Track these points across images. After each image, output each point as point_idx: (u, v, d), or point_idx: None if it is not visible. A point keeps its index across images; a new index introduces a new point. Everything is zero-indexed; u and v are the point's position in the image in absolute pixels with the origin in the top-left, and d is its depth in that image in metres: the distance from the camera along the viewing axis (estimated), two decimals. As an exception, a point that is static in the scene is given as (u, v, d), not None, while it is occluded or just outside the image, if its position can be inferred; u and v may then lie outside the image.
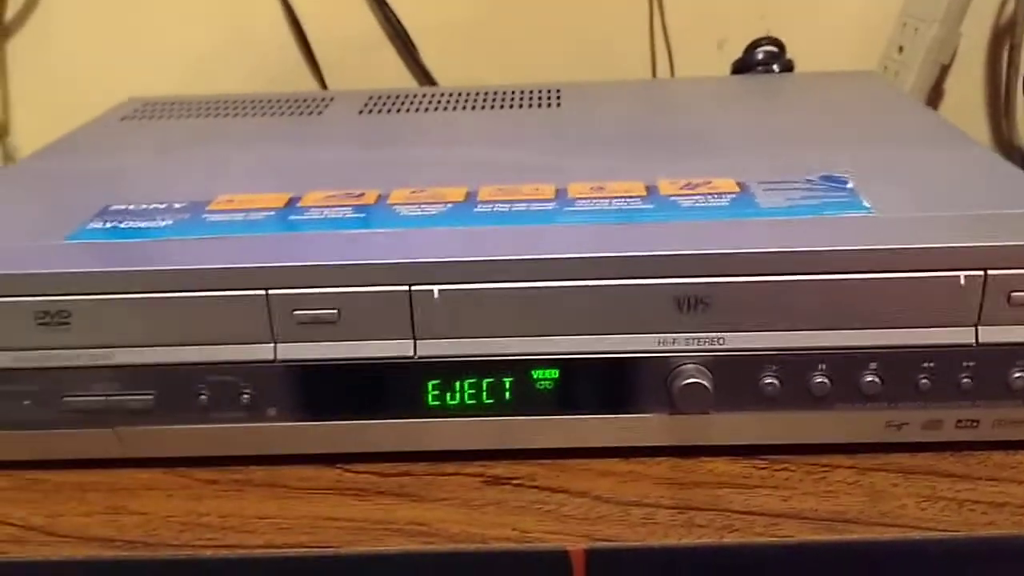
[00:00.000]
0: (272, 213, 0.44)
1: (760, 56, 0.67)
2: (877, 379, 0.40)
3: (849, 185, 0.43)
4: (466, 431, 0.42)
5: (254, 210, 0.44)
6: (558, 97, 0.63)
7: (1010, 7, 0.71)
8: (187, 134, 0.60)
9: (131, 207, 0.45)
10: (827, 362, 0.40)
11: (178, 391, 0.41)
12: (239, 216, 0.44)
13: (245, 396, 0.41)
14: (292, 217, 0.43)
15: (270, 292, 0.39)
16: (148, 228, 0.43)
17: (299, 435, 0.42)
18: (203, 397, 0.41)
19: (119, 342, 0.40)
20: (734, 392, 0.40)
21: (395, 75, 0.75)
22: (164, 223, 0.43)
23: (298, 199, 0.45)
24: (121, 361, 0.40)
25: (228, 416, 0.41)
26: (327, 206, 0.44)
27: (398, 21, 0.73)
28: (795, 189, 0.43)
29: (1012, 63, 0.72)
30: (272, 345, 0.40)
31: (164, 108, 0.65)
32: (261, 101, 0.65)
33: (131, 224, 0.44)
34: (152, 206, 0.45)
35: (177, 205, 0.45)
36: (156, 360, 0.40)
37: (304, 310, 0.39)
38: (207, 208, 0.45)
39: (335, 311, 0.39)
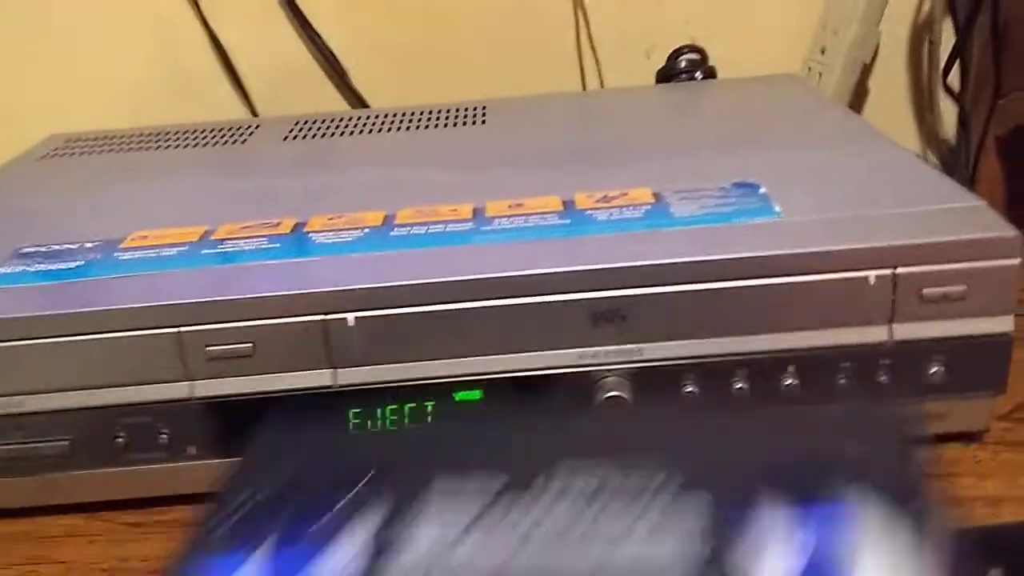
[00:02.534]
0: (186, 248, 0.43)
1: (683, 64, 0.68)
2: (796, 381, 0.40)
3: (761, 191, 0.44)
4: (393, 457, 0.41)
5: (167, 246, 0.44)
6: (483, 114, 0.63)
7: (927, 5, 0.73)
8: (108, 170, 0.59)
9: (42, 249, 0.45)
10: (745, 367, 0.40)
11: (95, 435, 0.40)
12: (151, 253, 0.43)
13: (163, 436, 0.40)
14: (205, 251, 0.43)
15: (182, 329, 0.39)
16: (59, 270, 0.42)
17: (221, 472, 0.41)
18: (120, 439, 0.40)
19: (31, 388, 0.39)
20: (656, 402, 0.40)
21: (327, 98, 0.75)
22: (75, 264, 0.43)
23: (213, 232, 0.45)
24: (34, 407, 0.40)
25: (147, 457, 0.40)
26: (242, 237, 0.44)
27: (325, 44, 0.73)
28: (708, 197, 0.44)
29: (932, 59, 0.73)
30: (187, 383, 0.39)
31: (87, 143, 0.64)
32: (187, 132, 0.65)
33: (42, 267, 0.43)
34: (64, 247, 0.45)
35: (89, 244, 0.45)
36: (70, 405, 0.40)
37: (217, 345, 0.39)
38: (120, 246, 0.44)
39: (250, 344, 0.39)
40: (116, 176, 0.57)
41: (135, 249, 0.44)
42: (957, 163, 0.72)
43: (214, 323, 0.39)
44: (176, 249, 0.43)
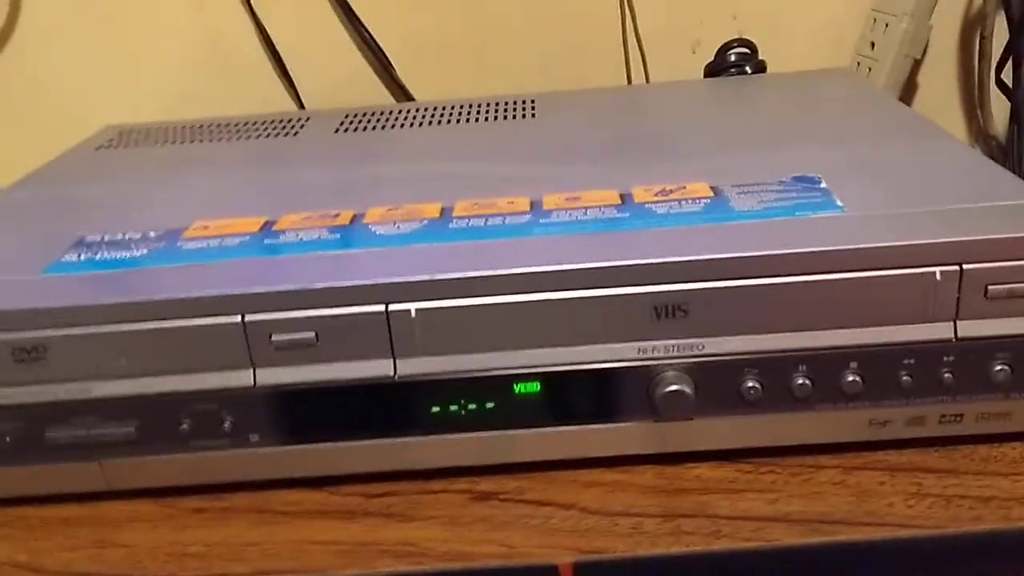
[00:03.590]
0: (247, 238, 0.44)
1: (732, 58, 0.67)
2: (858, 378, 0.40)
3: (822, 185, 0.44)
4: (451, 448, 0.41)
5: (229, 235, 0.44)
6: (532, 108, 0.63)
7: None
8: (164, 160, 0.59)
9: (107, 238, 0.45)
10: (807, 363, 0.40)
11: (159, 421, 0.41)
12: (214, 242, 0.44)
13: (227, 423, 0.41)
14: (267, 241, 0.43)
15: (246, 318, 0.39)
16: (123, 259, 0.43)
17: (282, 459, 0.41)
18: (185, 426, 0.41)
19: (98, 375, 0.40)
20: (716, 397, 0.40)
21: (372, 92, 0.75)
22: (139, 253, 0.43)
23: (273, 222, 0.45)
24: (100, 394, 0.40)
25: (210, 444, 0.41)
26: (302, 228, 0.44)
27: (372, 38, 0.73)
28: (768, 191, 0.43)
29: (983, 54, 0.72)
30: (251, 371, 0.40)
31: (140, 135, 0.64)
32: (238, 124, 0.65)
33: (106, 255, 0.43)
34: (127, 236, 0.45)
35: (152, 234, 0.45)
36: (136, 391, 0.40)
37: (281, 334, 0.39)
38: (182, 236, 0.45)
39: (312, 334, 0.39)
40: (172, 167, 0.58)
41: (198, 239, 0.44)
42: (1008, 160, 0.71)
43: (278, 312, 0.39)
44: (238, 239, 0.44)
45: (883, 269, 0.38)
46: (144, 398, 0.40)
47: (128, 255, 0.43)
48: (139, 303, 0.39)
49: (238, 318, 0.39)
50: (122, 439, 0.41)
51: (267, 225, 0.45)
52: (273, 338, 0.39)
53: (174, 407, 0.40)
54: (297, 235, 0.44)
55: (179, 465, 0.41)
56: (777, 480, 0.41)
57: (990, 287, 0.38)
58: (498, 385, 0.40)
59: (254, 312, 0.39)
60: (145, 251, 0.43)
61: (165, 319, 0.39)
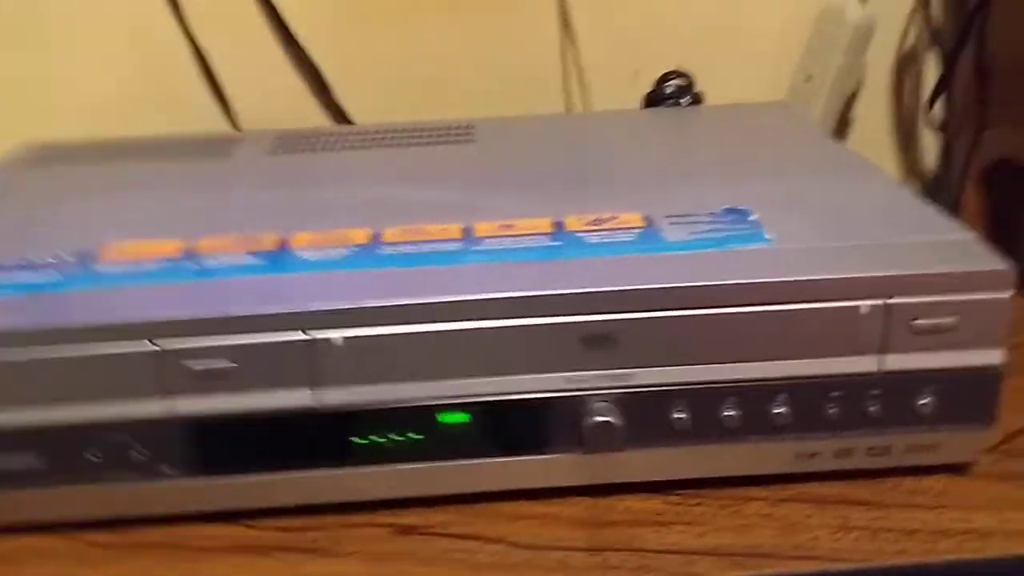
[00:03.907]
0: (165, 262, 0.42)
1: (670, 89, 0.68)
2: (786, 410, 0.39)
3: (752, 217, 0.44)
4: (375, 480, 0.40)
5: (147, 259, 0.43)
6: (471, 133, 0.63)
7: (912, 36, 0.73)
8: (88, 180, 0.57)
9: (19, 260, 0.43)
10: (736, 395, 0.39)
11: (67, 452, 0.39)
12: (131, 266, 0.42)
13: (138, 454, 0.39)
14: (187, 264, 0.42)
15: (160, 345, 0.38)
16: (35, 282, 0.41)
17: (197, 492, 0.40)
18: (93, 457, 0.39)
19: (3, 402, 0.38)
20: (645, 428, 0.40)
21: (310, 113, 0.74)
22: (53, 276, 0.42)
23: (196, 245, 0.44)
24: (6, 423, 0.38)
25: (121, 476, 0.39)
26: (225, 252, 0.43)
27: (310, 59, 0.72)
28: (699, 223, 0.43)
29: (916, 89, 0.74)
30: (164, 400, 0.38)
31: (65, 153, 0.62)
32: (169, 144, 0.63)
33: (17, 278, 0.42)
34: (41, 258, 0.43)
35: (68, 257, 0.43)
36: (43, 421, 0.38)
37: (196, 362, 0.38)
38: (99, 259, 0.43)
39: (229, 362, 0.38)
40: (95, 187, 0.56)
41: (114, 262, 0.42)
42: (939, 194, 0.73)
43: (194, 339, 0.38)
44: (156, 263, 0.42)
45: (810, 302, 0.38)
46: (51, 428, 0.38)
47: (40, 278, 0.41)
48: (47, 328, 0.38)
49: (152, 345, 0.38)
50: (27, 470, 0.39)
51: (188, 248, 0.44)
52: (188, 366, 0.38)
53: (83, 437, 0.39)
54: (218, 259, 0.42)
55: (87, 498, 0.39)
56: (706, 512, 0.40)
57: (915, 321, 0.39)
58: (423, 415, 0.39)
59: (168, 338, 0.38)
60: (58, 274, 0.42)
61: (74, 344, 0.38)
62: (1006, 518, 0.39)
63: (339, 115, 0.73)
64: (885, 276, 0.38)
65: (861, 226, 0.43)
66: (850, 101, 0.73)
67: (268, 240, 0.44)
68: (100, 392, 0.38)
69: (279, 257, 0.42)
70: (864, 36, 0.70)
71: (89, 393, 0.38)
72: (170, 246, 0.44)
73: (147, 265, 0.42)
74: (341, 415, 0.39)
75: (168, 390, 0.38)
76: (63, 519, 0.40)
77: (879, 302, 0.38)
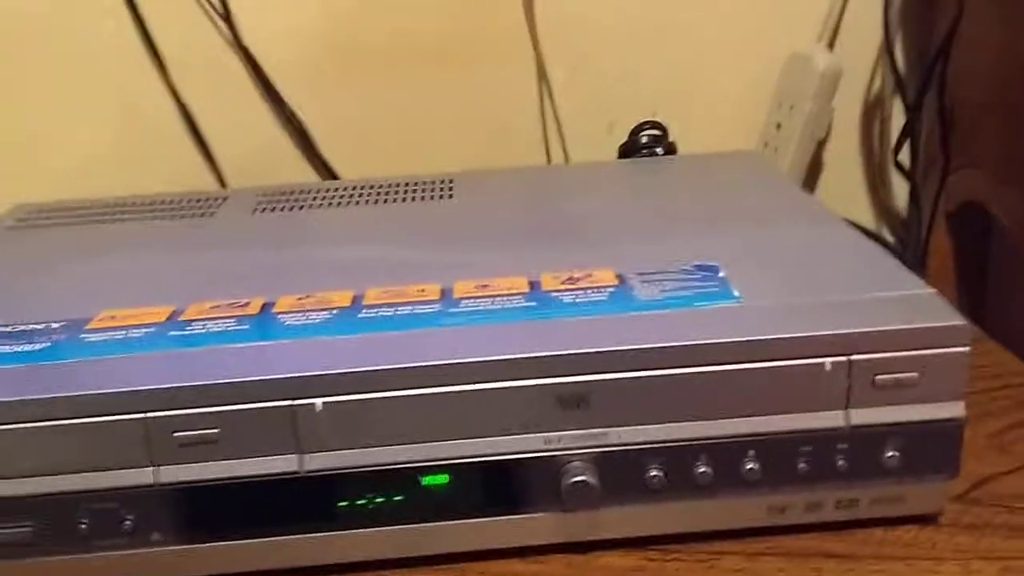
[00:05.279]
0: (153, 329, 0.43)
1: (644, 139, 0.69)
2: (757, 466, 0.41)
3: (721, 274, 0.45)
4: (359, 542, 0.41)
5: (135, 327, 0.44)
6: (451, 188, 0.64)
7: (878, 82, 0.76)
8: (75, 242, 0.59)
9: (7, 328, 0.44)
10: (708, 452, 0.41)
11: (57, 521, 0.40)
12: (119, 334, 0.43)
13: (127, 522, 0.40)
14: (173, 332, 0.43)
15: (148, 415, 0.39)
16: (23, 352, 0.42)
17: (186, 558, 0.41)
18: (83, 526, 0.40)
19: (-8, 474, 0.39)
20: (621, 486, 0.41)
21: (295, 167, 0.76)
22: (41, 346, 0.43)
23: (181, 312, 0.45)
24: (-5, 494, 0.39)
25: (111, 543, 0.40)
26: (210, 318, 0.44)
27: (295, 115, 0.74)
28: (670, 279, 0.45)
29: (883, 134, 0.76)
30: (152, 468, 0.39)
31: (53, 214, 0.64)
32: (154, 203, 0.65)
33: (6, 348, 0.43)
34: (30, 326, 0.45)
35: (55, 324, 0.44)
36: (32, 491, 0.39)
37: (183, 431, 0.39)
38: (86, 327, 0.44)
39: (215, 430, 0.39)
40: (83, 250, 0.57)
41: (102, 330, 0.43)
42: (909, 236, 0.74)
43: (180, 409, 0.39)
44: (143, 331, 0.43)
45: (776, 360, 0.40)
46: (41, 497, 0.39)
47: (30, 348, 0.42)
48: (38, 400, 0.39)
49: (139, 415, 0.39)
50: (17, 540, 0.40)
51: (174, 315, 0.45)
52: (175, 434, 0.39)
53: (72, 506, 0.39)
54: (204, 326, 0.43)
55: (78, 567, 0.40)
56: (681, 568, 0.41)
57: (877, 377, 0.40)
58: (405, 477, 0.40)
59: (155, 409, 0.39)
60: (48, 343, 0.43)
61: (63, 418, 0.38)
62: (973, 569, 0.40)
63: (324, 169, 0.75)
64: (846, 334, 0.40)
65: (825, 281, 0.44)
66: (820, 146, 0.75)
67: (253, 305, 0.45)
68: (89, 462, 0.39)
69: (264, 322, 0.44)
70: (831, 82, 0.72)
71: (78, 463, 0.39)
72: (158, 313, 0.45)
73: (135, 332, 0.43)
74: (325, 479, 0.40)
75: (155, 459, 0.39)
76: (53, 588, 0.41)
77: (842, 359, 0.40)
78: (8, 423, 0.38)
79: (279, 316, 0.44)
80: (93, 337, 0.43)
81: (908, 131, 0.73)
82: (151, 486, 0.39)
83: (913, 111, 0.72)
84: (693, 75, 0.75)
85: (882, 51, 0.74)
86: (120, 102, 0.73)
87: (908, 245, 0.74)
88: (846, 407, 0.40)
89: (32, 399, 0.38)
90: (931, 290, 0.43)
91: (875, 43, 0.75)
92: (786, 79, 0.74)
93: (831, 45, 0.73)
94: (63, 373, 0.40)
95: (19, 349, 0.42)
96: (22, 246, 0.59)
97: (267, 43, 0.72)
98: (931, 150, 0.72)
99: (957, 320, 0.40)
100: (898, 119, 0.74)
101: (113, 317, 0.45)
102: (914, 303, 0.42)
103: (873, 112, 0.76)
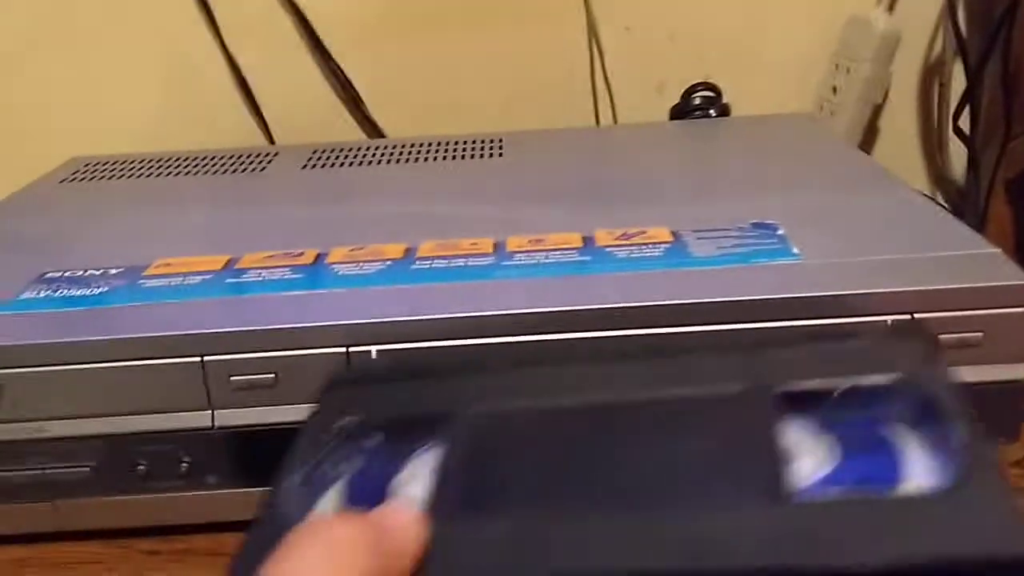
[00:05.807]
0: (210, 276, 0.44)
1: (697, 101, 0.68)
2: (812, 423, 0.40)
3: (779, 232, 0.44)
4: (410, 490, 0.41)
5: (191, 274, 0.44)
6: (500, 147, 0.64)
7: (938, 46, 0.74)
8: (129, 194, 0.59)
9: (67, 274, 0.45)
10: (763, 408, 0.40)
11: (116, 461, 0.40)
12: (176, 280, 0.44)
13: (184, 464, 0.40)
14: (230, 280, 0.43)
15: (205, 359, 0.39)
16: (83, 296, 0.43)
17: (241, 501, 0.41)
18: (141, 467, 0.40)
19: (54, 414, 0.40)
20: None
21: (343, 126, 0.76)
22: (100, 290, 0.43)
23: (237, 260, 0.45)
24: (57, 433, 0.40)
25: (167, 485, 0.41)
26: (265, 267, 0.44)
27: (343, 72, 0.73)
28: (727, 237, 0.44)
29: (942, 100, 0.74)
30: (209, 412, 0.40)
31: (106, 168, 0.64)
32: (205, 158, 0.65)
33: (66, 292, 0.43)
34: (88, 272, 0.45)
35: (113, 271, 0.45)
36: (92, 431, 0.40)
37: (240, 375, 0.39)
38: (143, 273, 0.45)
39: (272, 375, 0.39)
40: (137, 202, 0.58)
41: (159, 276, 0.44)
42: (967, 205, 0.73)
43: (237, 353, 0.39)
44: (200, 277, 0.44)
45: (835, 317, 0.39)
46: (100, 438, 0.40)
47: (88, 292, 0.43)
48: (96, 343, 0.39)
49: (197, 358, 0.39)
50: (77, 479, 0.40)
51: (230, 263, 0.45)
52: (232, 378, 0.39)
53: (131, 448, 0.40)
54: (260, 274, 0.44)
55: (135, 506, 0.41)
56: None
57: (941, 336, 0.39)
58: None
59: (213, 353, 0.39)
60: (106, 288, 0.43)
61: (122, 360, 0.39)
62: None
63: (371, 127, 0.75)
64: (910, 291, 0.39)
65: (886, 240, 0.44)
66: (876, 111, 0.73)
67: (307, 255, 0.45)
68: (147, 404, 0.40)
69: (317, 272, 0.44)
70: (890, 46, 0.70)
71: (137, 405, 0.40)
72: (213, 261, 0.45)
73: (192, 279, 0.43)
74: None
75: (213, 402, 0.40)
76: (112, 526, 0.42)
77: (904, 317, 0.39)
78: (70, 364, 0.39)
79: (333, 266, 0.44)
80: (150, 283, 0.44)
81: (968, 97, 0.71)
82: (208, 429, 0.40)
83: (975, 75, 0.70)
84: (748, 36, 0.74)
85: (943, 15, 0.72)
86: (171, 59, 0.74)
87: (966, 213, 0.73)
88: (909, 366, 0.40)
89: (92, 340, 0.39)
90: (995, 249, 0.42)
91: (936, 7, 0.72)
92: (844, 42, 0.72)
93: (891, 8, 0.71)
94: (122, 316, 0.41)
95: (79, 293, 0.43)
96: (76, 199, 0.59)
97: (317, 0, 0.72)
98: (992, 117, 0.70)
99: (1023, 279, 0.39)
100: (959, 84, 0.72)
101: (169, 264, 0.45)
102: (978, 261, 0.41)
103: (932, 77, 0.74)
